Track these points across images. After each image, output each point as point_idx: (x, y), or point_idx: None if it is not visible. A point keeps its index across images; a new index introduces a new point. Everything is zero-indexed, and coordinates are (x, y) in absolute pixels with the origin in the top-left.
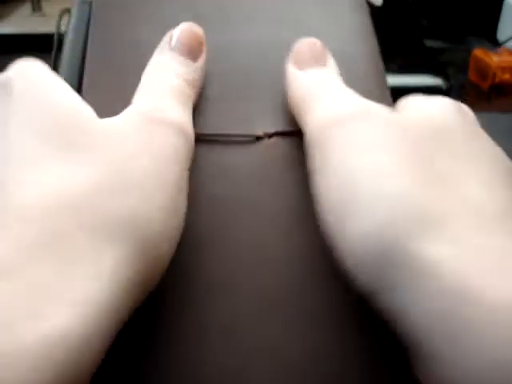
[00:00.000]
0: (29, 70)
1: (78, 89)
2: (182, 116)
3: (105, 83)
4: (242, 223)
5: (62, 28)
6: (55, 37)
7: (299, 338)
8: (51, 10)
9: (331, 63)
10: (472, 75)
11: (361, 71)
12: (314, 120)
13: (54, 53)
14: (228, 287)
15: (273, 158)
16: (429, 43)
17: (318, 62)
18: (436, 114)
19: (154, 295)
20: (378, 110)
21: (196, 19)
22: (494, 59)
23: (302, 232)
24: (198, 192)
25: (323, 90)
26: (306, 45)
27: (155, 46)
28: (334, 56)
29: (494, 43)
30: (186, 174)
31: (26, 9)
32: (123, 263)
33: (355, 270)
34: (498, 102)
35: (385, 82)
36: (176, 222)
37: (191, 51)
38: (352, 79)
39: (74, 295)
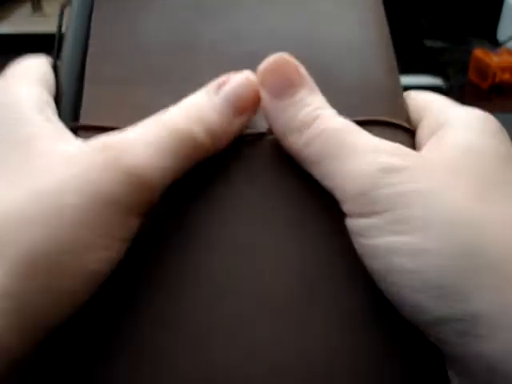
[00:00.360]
0: (8, 86)
1: (80, 81)
2: (153, 166)
3: (107, 75)
4: (245, 220)
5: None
6: (57, 28)
7: (299, 340)
8: (51, 9)
9: (307, 80)
10: (472, 75)
11: (371, 58)
12: (345, 187)
13: (56, 44)
14: (228, 288)
15: (276, 154)
16: (429, 43)
17: (294, 84)
18: (473, 148)
19: (151, 296)
20: (409, 156)
21: (199, 9)
22: (494, 59)
23: (307, 230)
24: (202, 189)
25: (324, 144)
26: (274, 65)
27: (158, 37)
28: (344, 42)
29: (494, 43)
30: (123, 219)
31: (26, 9)
32: (9, 292)
33: (421, 301)
34: (498, 101)
35: (395, 69)
36: (91, 265)
37: (240, 106)
38: (361, 66)
39: None
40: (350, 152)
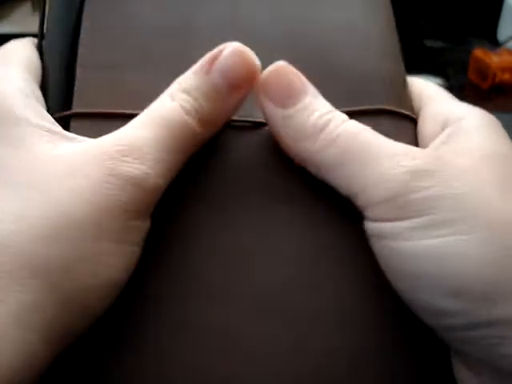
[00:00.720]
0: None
1: (68, 64)
2: (157, 167)
3: (100, 60)
4: (242, 207)
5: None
6: (41, 8)
7: (300, 341)
8: None
9: (309, 86)
10: (472, 75)
11: (375, 43)
12: (369, 192)
13: (39, 24)
14: (228, 289)
15: (273, 143)
16: (429, 43)
17: (297, 92)
18: (486, 149)
19: (151, 297)
20: (424, 159)
21: None
22: (494, 59)
23: (304, 223)
24: (199, 177)
25: (341, 149)
26: (275, 74)
27: (153, 21)
28: (348, 27)
29: (494, 43)
30: (134, 224)
31: (26, 9)
32: (33, 308)
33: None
34: (498, 102)
35: (399, 55)
36: (108, 274)
37: (235, 81)
38: (366, 52)
39: None
40: (370, 156)
